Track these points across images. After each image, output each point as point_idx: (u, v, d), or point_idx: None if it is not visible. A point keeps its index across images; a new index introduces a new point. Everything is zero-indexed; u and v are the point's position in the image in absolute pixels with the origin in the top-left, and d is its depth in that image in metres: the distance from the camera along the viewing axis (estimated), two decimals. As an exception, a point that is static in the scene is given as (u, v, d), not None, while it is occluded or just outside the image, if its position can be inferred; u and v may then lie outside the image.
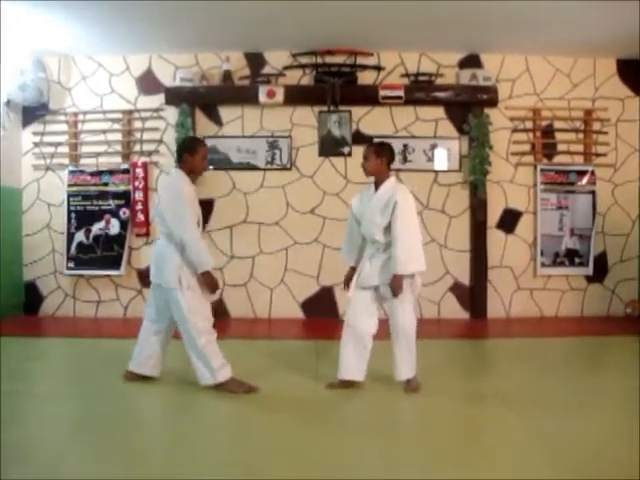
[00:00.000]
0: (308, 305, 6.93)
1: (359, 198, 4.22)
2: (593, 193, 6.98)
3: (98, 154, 7.01)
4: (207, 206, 6.90)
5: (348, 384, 3.98)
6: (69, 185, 6.96)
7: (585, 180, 6.96)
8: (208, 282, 3.86)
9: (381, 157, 4.08)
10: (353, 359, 3.96)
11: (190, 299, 3.83)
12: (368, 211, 4.00)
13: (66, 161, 7.01)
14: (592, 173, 6.97)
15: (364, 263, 4.05)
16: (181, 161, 4.02)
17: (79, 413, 3.54)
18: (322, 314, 6.83)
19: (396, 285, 3.81)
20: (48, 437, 3.14)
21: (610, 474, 2.66)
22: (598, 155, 7.01)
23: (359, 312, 3.98)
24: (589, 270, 6.99)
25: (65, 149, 7.02)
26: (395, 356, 3.96)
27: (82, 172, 6.98)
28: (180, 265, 3.83)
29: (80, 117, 7.01)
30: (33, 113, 6.91)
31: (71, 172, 6.97)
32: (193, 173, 4.04)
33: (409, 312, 3.99)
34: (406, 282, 3.89)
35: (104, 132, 7.01)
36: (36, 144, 7.00)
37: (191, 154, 3.99)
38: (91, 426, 3.30)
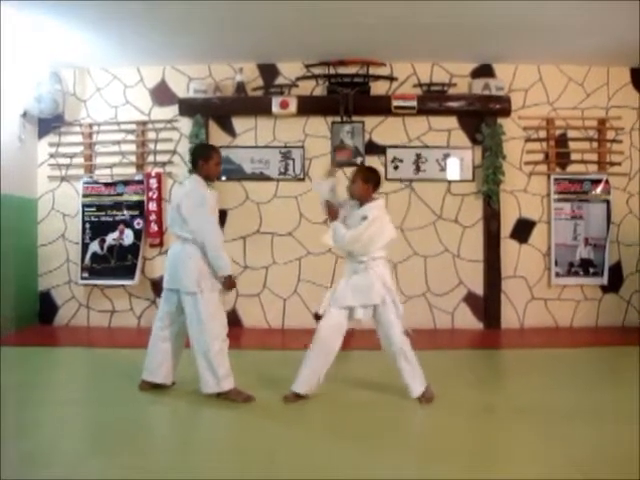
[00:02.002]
0: (321, 316, 6.90)
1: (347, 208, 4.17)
2: (607, 202, 6.94)
3: (112, 165, 7.06)
4: (220, 216, 6.92)
5: (302, 397, 3.96)
6: (84, 196, 7.02)
7: (599, 189, 6.92)
8: (227, 285, 3.97)
9: (368, 183, 4.05)
10: (315, 374, 3.95)
11: (209, 304, 3.89)
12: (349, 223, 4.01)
13: (81, 172, 7.07)
14: (606, 182, 6.93)
15: (340, 281, 4.07)
16: (196, 168, 4.09)
17: (92, 422, 3.57)
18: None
19: None
20: (62, 445, 3.15)
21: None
22: (612, 164, 6.97)
23: (334, 330, 3.95)
24: (604, 280, 6.93)
25: (80, 160, 7.07)
26: (403, 375, 3.96)
27: (96, 183, 7.03)
28: (200, 269, 3.89)
29: (95, 128, 7.07)
30: (49, 124, 6.98)
31: (86, 183, 7.03)
32: (208, 179, 4.12)
33: (399, 327, 3.98)
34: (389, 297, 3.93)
35: (118, 143, 7.06)
36: (51, 155, 7.07)
37: (205, 160, 4.07)
38: (103, 434, 3.30)
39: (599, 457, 3.00)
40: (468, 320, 6.89)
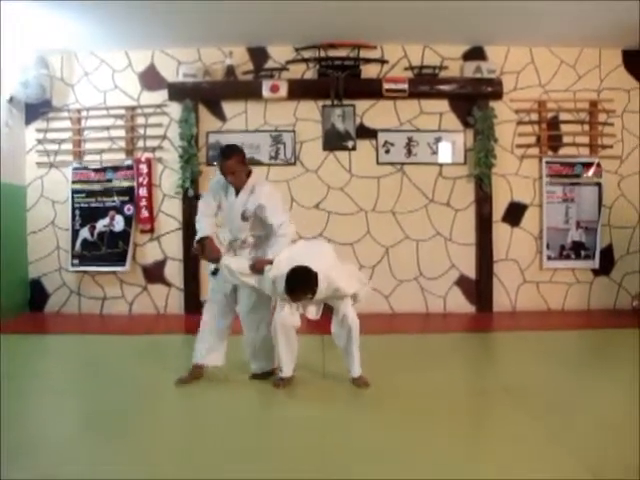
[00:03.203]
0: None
1: None
2: (599, 185, 6.94)
3: (102, 151, 6.99)
4: (211, 202, 6.90)
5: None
6: (73, 182, 6.96)
7: (591, 172, 6.91)
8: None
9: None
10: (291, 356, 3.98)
11: None
12: None
13: (70, 158, 7.00)
14: (598, 165, 6.92)
15: None
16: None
17: (86, 409, 3.54)
18: (328, 309, 6.79)
19: None
20: (54, 434, 3.14)
21: (617, 467, 2.64)
22: (604, 147, 6.96)
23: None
24: (595, 263, 6.95)
25: (69, 146, 7.00)
26: (351, 355, 3.93)
27: (86, 169, 6.96)
28: None
29: (83, 114, 6.99)
30: (36, 110, 6.90)
31: (75, 169, 6.96)
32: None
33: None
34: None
35: (107, 128, 6.98)
36: (39, 141, 6.99)
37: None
38: (98, 422, 3.28)
39: (591, 438, 3.01)
40: (460, 303, 6.89)
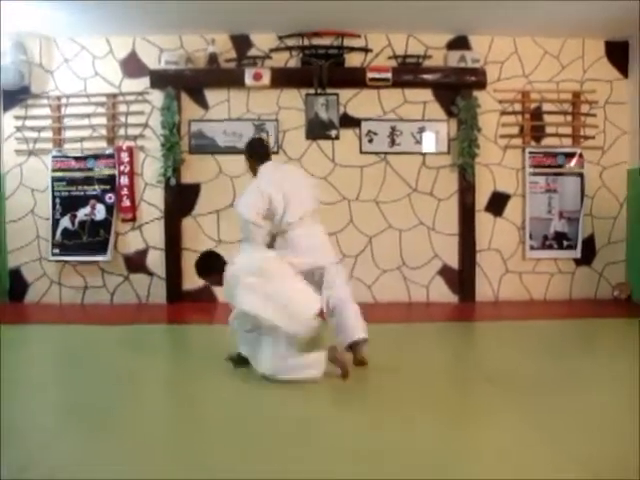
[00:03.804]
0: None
1: None
2: (581, 176, 6.97)
3: (82, 139, 6.90)
4: (193, 190, 6.86)
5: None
6: (53, 170, 6.86)
7: (573, 163, 6.95)
8: None
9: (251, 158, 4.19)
10: None
11: None
12: None
13: (49, 146, 6.90)
14: (580, 156, 6.95)
15: None
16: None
17: (67, 400, 3.50)
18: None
19: None
20: (35, 425, 3.08)
21: (600, 453, 2.64)
22: (586, 138, 6.99)
23: None
24: (577, 253, 7.00)
25: (48, 133, 6.90)
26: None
27: (66, 157, 6.87)
28: None
29: (63, 101, 6.89)
30: (14, 97, 6.78)
31: (55, 157, 6.87)
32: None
33: None
34: None
35: (88, 116, 6.89)
36: (18, 128, 6.88)
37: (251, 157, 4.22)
38: (80, 413, 3.24)
39: (571, 425, 3.02)
40: (443, 293, 6.91)
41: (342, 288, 4.01)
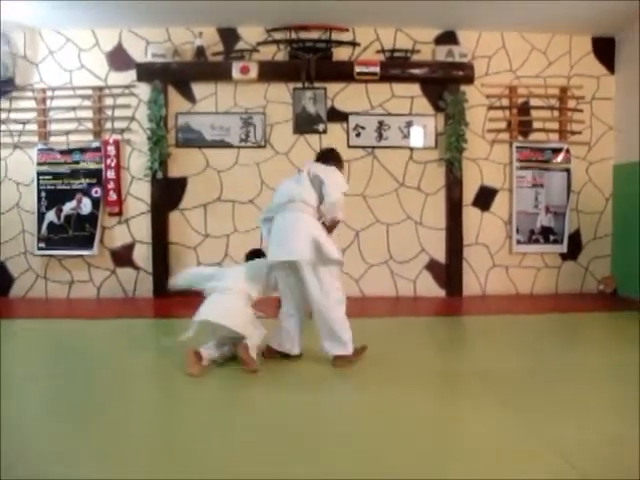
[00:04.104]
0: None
1: None
2: (568, 171, 7.01)
3: (68, 132, 6.85)
4: (181, 184, 6.83)
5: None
6: (39, 163, 6.81)
7: (560, 158, 6.98)
8: None
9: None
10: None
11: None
12: None
13: (35, 139, 6.84)
14: (567, 151, 6.99)
15: None
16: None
17: (54, 394, 3.47)
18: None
19: None
20: (21, 420, 3.05)
21: (587, 446, 2.66)
22: (573, 133, 7.03)
23: None
24: (563, 247, 7.04)
25: (34, 126, 6.84)
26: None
27: (52, 150, 6.82)
28: None
29: (49, 93, 6.83)
30: (-1, 89, 6.73)
31: (40, 150, 6.81)
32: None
33: None
34: None
35: (74, 109, 6.84)
36: (3, 121, 6.81)
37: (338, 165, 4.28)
38: (67, 407, 3.21)
39: (552, 416, 3.03)
40: (430, 287, 6.93)
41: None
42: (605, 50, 7.06)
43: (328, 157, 4.31)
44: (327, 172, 4.02)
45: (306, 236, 3.81)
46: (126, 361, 4.18)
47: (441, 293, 6.95)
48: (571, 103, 7.01)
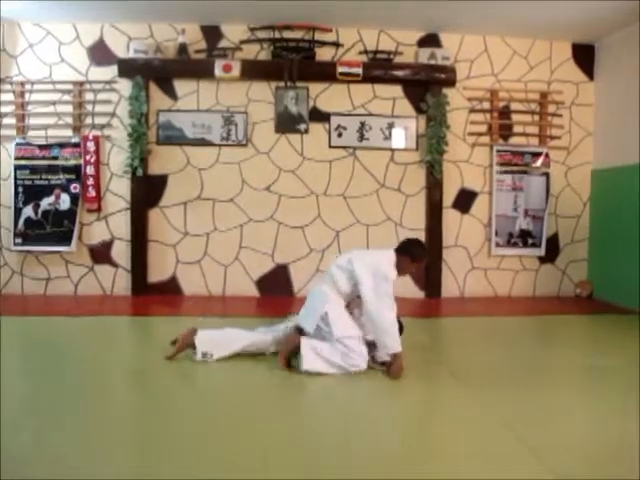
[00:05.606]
0: (263, 283, 6.88)
1: None
2: (547, 175, 7.09)
3: (47, 126, 6.76)
4: (161, 181, 6.78)
5: None
6: (16, 158, 6.71)
7: (539, 162, 7.05)
8: None
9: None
10: None
11: None
12: None
13: (13, 133, 6.74)
14: (546, 155, 7.06)
15: None
16: (402, 253, 4.03)
17: (30, 392, 3.42)
18: (277, 292, 6.80)
19: None
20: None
21: (563, 449, 2.68)
22: (552, 138, 7.10)
23: None
24: (541, 251, 7.11)
25: (12, 120, 6.74)
26: None
27: (30, 145, 6.72)
28: None
29: (28, 87, 6.73)
30: (-24, 82, 6.63)
31: (18, 144, 6.71)
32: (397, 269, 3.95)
33: None
34: None
35: (54, 103, 6.75)
36: (-20, 114, 6.72)
37: (413, 260, 4.02)
38: (43, 405, 3.17)
39: (529, 417, 3.07)
40: (409, 289, 6.94)
41: None
42: (585, 57, 7.15)
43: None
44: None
45: None
46: (104, 359, 4.14)
47: (420, 294, 6.98)
48: (551, 108, 7.08)
